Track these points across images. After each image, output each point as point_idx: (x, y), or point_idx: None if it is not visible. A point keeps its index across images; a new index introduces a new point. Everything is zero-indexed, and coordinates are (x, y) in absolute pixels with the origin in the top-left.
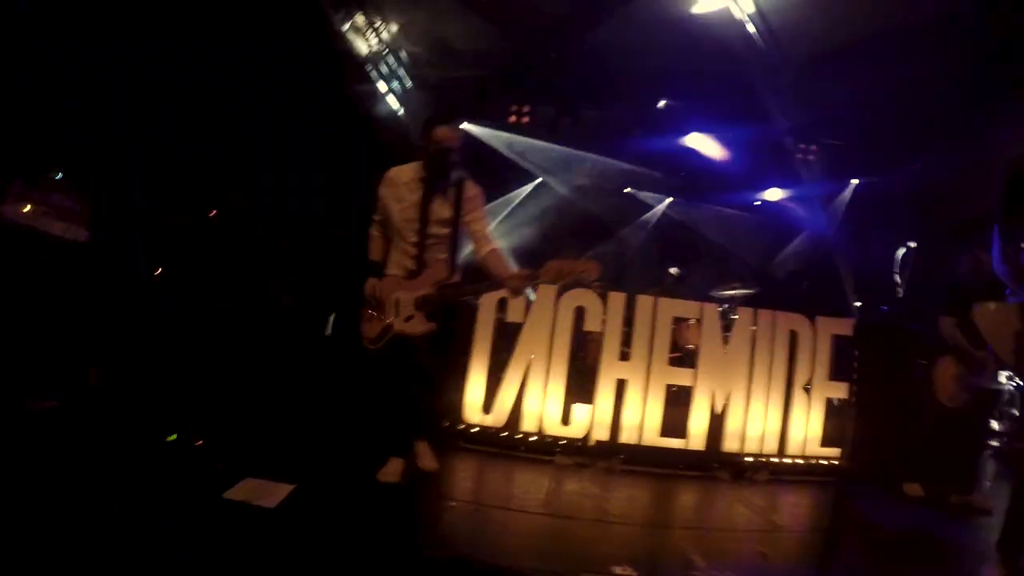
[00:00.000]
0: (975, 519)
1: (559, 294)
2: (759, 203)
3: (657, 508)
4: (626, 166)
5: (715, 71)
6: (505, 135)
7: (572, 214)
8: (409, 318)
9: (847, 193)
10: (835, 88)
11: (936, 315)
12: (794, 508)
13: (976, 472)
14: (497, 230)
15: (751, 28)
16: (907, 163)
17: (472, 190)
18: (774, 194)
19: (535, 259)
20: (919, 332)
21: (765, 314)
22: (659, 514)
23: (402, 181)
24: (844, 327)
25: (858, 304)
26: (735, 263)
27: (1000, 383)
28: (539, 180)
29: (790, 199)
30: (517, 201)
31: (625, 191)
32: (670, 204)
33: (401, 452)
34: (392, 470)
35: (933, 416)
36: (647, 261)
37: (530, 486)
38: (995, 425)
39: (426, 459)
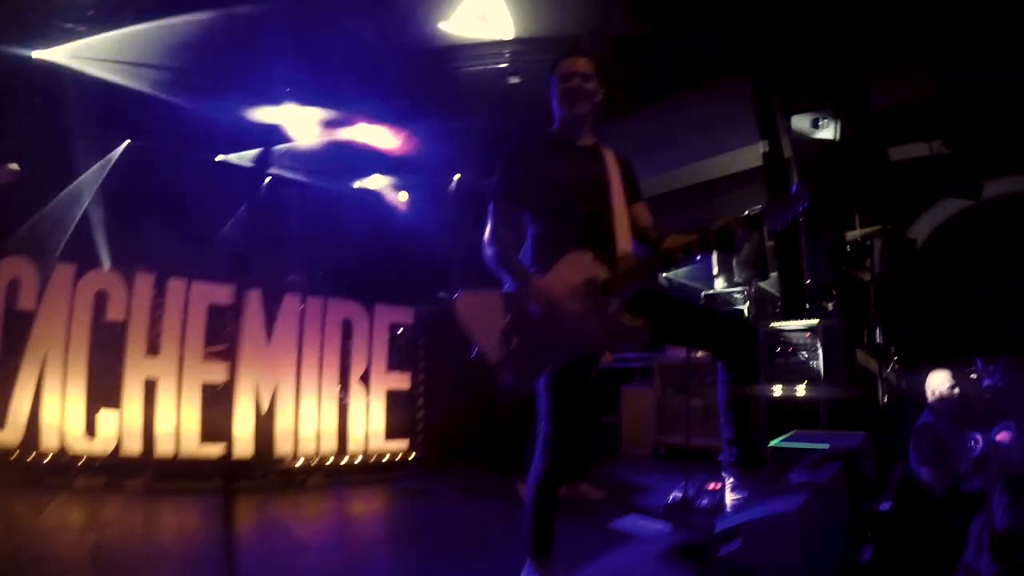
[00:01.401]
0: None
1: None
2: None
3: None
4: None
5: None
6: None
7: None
8: None
9: (452, 186)
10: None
11: None
12: (342, 514)
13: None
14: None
15: None
16: None
17: None
18: (376, 181)
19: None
20: None
21: (315, 300)
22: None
23: None
24: (405, 315)
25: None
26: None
27: None
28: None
29: (395, 187)
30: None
31: (217, 159)
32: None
33: None
34: None
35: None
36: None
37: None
38: None
39: None
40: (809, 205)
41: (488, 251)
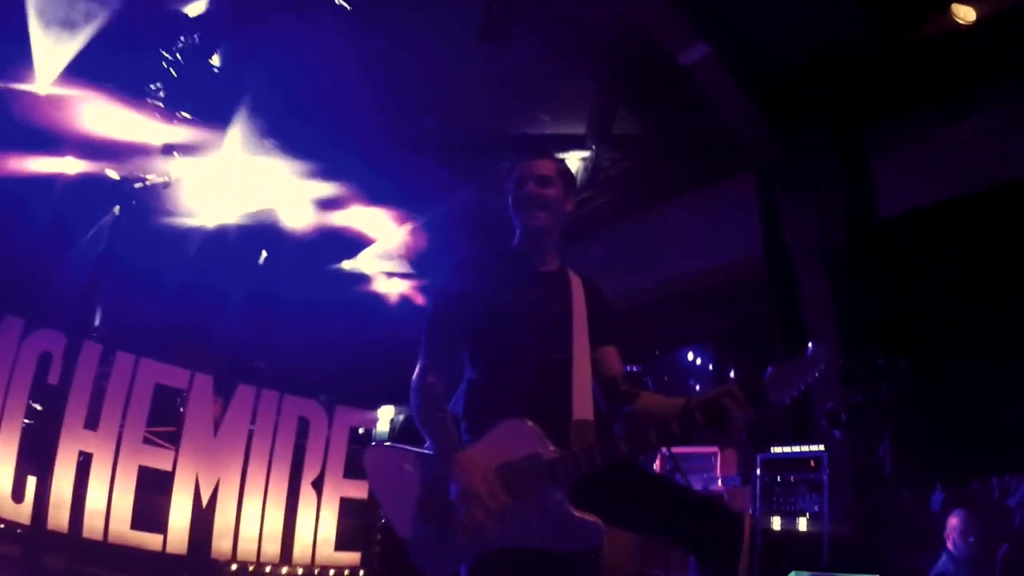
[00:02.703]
0: None
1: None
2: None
3: None
4: None
5: None
6: None
7: None
8: None
9: None
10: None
11: None
12: None
13: None
14: None
15: None
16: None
17: None
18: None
19: None
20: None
21: (270, 395)
22: None
23: None
24: (368, 420)
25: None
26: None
27: None
28: None
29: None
30: None
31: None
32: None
33: None
34: None
35: None
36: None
37: None
38: None
39: None
40: (826, 369)
41: (413, 400)
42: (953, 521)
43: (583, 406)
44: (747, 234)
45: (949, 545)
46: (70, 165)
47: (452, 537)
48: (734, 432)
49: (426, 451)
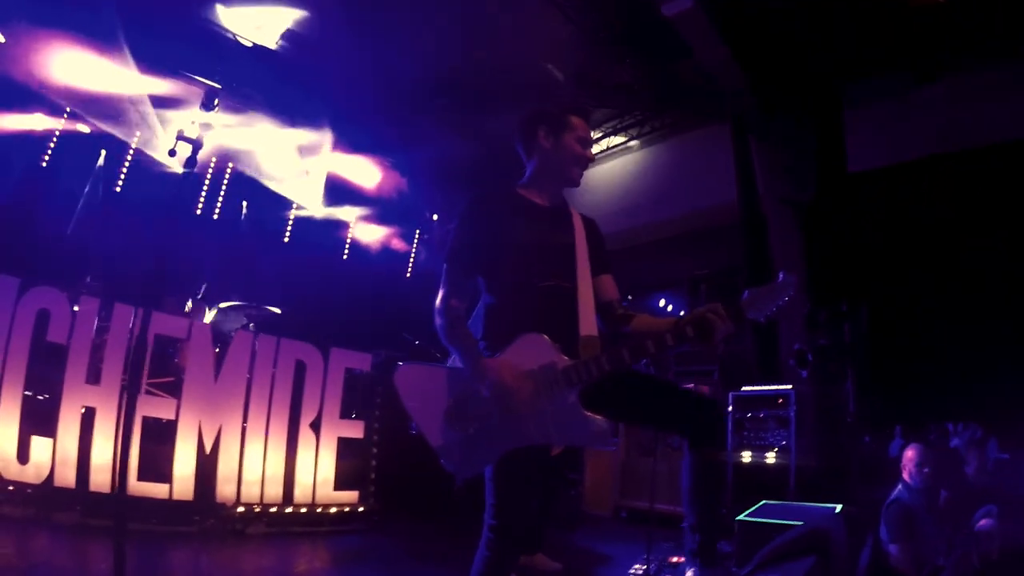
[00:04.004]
0: None
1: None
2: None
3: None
4: None
5: None
6: None
7: None
8: None
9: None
10: None
11: None
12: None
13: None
14: None
15: None
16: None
17: None
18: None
19: None
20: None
21: (267, 340)
22: None
23: None
24: (362, 361)
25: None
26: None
27: None
28: None
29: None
30: None
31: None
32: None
33: None
34: None
35: None
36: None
37: None
38: None
39: None
40: (794, 294)
41: (438, 321)
42: (909, 454)
43: (588, 325)
44: (721, 183)
45: (905, 476)
46: (40, 121)
47: (479, 438)
48: (717, 342)
49: (450, 366)
